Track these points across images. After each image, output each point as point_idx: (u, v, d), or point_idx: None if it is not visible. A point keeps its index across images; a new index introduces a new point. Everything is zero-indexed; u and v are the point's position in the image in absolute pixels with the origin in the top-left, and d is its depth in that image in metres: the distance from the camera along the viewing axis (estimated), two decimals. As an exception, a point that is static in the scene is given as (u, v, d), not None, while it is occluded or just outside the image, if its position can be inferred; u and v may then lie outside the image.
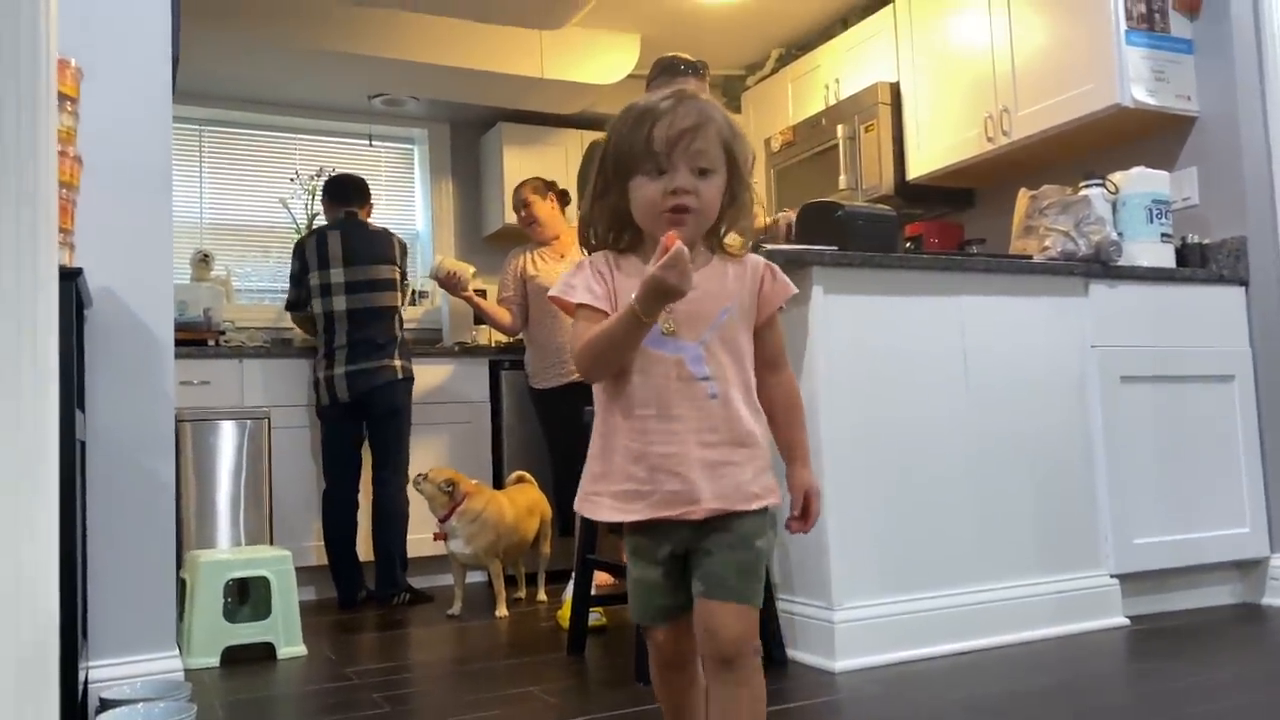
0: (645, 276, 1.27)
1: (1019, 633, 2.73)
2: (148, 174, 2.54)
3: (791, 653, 2.61)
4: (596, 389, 1.43)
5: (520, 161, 5.13)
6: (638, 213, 1.39)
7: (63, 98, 2.08)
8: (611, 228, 1.44)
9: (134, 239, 2.51)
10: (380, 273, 4.00)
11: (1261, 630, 2.88)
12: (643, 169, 1.36)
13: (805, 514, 1.44)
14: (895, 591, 2.61)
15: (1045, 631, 2.77)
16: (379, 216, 4.54)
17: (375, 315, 3.96)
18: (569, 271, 1.43)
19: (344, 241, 4.01)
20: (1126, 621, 2.91)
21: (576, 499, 1.42)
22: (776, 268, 1.46)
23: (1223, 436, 3.19)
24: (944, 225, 4.26)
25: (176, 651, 2.50)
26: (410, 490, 3.87)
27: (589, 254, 1.46)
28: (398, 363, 3.96)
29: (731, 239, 1.45)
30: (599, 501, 1.39)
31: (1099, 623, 2.86)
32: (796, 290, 1.47)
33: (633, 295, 1.29)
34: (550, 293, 1.44)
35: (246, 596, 3.20)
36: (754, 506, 1.37)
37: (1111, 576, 2.94)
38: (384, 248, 4.04)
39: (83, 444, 2.30)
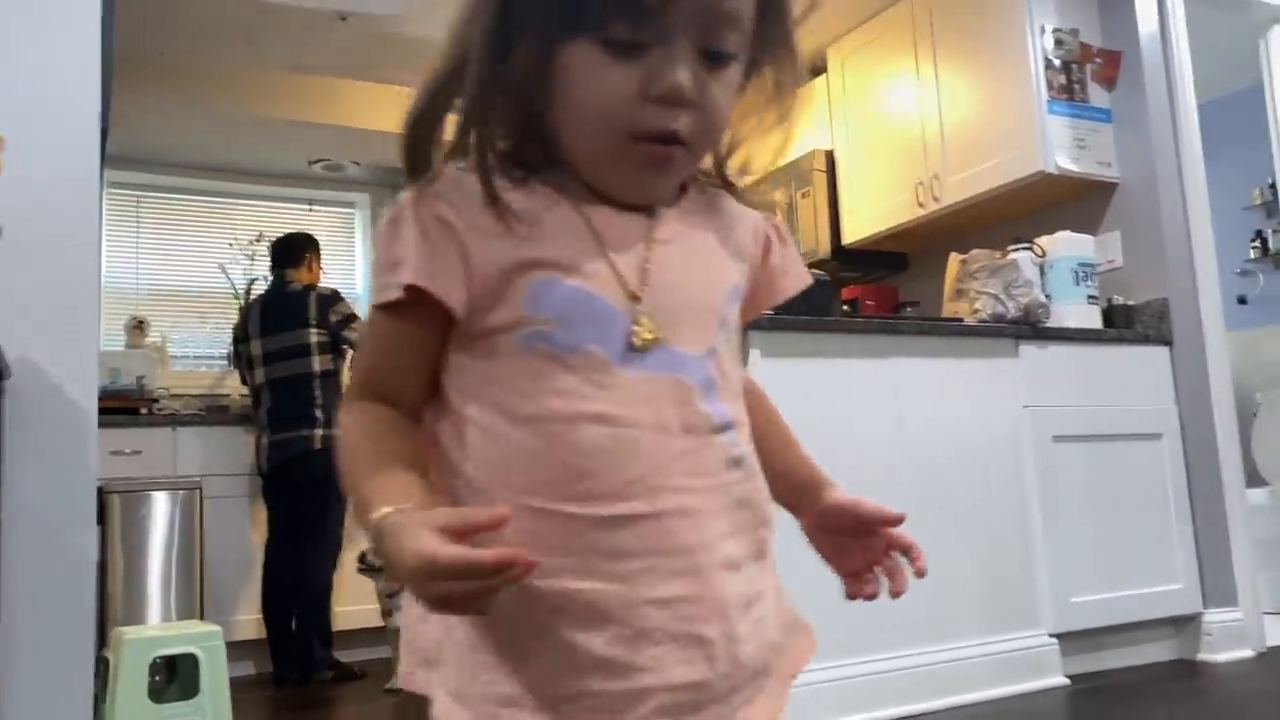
0: (409, 545, 0.62)
1: (961, 695, 2.72)
2: (73, 242, 2.49)
3: (733, 722, 2.57)
4: (449, 445, 0.74)
5: (462, 226, 5.15)
6: (576, 117, 0.69)
7: (-17, 167, 2.05)
8: (499, 128, 0.71)
9: (57, 308, 2.44)
10: (296, 338, 3.84)
11: (1197, 687, 2.90)
12: (596, 24, 0.65)
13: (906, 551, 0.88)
14: (834, 656, 2.59)
15: (987, 693, 2.76)
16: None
17: (293, 384, 3.82)
18: (384, 232, 0.72)
19: (263, 310, 3.94)
20: (1066, 681, 2.91)
21: None
22: (785, 230, 0.85)
23: (1153, 494, 3.25)
24: (880, 289, 4.33)
25: (94, 737, 2.40)
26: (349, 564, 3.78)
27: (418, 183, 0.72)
28: (318, 432, 3.76)
29: (745, 161, 0.78)
30: None
31: (1039, 683, 2.86)
32: (812, 280, 0.89)
33: (383, 511, 0.66)
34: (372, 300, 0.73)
35: (174, 675, 3.09)
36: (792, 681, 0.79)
37: (1050, 636, 2.95)
38: (299, 311, 3.86)
39: (-2, 521, 2.22)
